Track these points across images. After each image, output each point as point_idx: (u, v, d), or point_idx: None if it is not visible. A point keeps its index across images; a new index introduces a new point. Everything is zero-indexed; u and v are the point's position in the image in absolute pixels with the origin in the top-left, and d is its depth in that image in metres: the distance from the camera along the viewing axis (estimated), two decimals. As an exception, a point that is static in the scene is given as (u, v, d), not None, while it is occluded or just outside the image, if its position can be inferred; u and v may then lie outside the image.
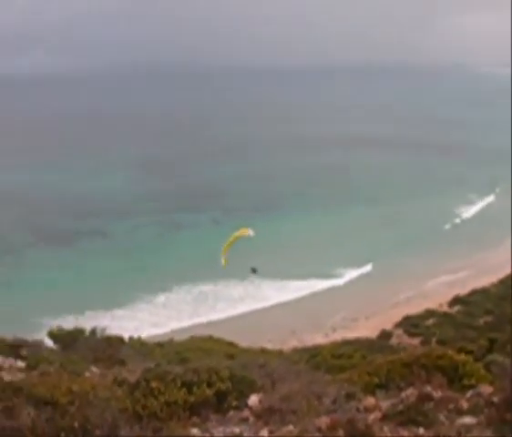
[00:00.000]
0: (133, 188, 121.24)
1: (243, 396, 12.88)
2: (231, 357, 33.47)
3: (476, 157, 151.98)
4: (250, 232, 29.84)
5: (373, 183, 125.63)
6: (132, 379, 14.21)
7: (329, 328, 68.51)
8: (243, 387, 13.11)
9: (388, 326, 65.75)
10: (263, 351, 38.01)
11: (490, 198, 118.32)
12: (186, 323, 69.92)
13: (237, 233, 29.27)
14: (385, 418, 11.47)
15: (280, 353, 39.03)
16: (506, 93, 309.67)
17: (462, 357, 13.78)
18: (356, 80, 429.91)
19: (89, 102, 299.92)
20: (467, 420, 11.18)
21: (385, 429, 11.06)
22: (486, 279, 75.08)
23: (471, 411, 11.48)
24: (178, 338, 49.67)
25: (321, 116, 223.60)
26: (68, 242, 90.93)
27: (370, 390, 13.22)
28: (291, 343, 63.94)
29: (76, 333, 22.33)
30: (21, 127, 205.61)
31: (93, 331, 23.85)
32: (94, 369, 18.14)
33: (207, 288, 78.14)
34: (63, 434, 10.67)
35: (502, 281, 74.55)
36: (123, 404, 12.13)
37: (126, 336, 32.16)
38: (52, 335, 23.29)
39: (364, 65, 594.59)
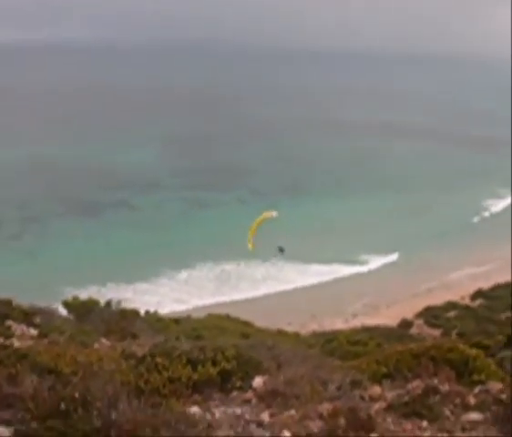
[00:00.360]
0: (161, 163, 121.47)
1: (248, 377, 12.70)
2: (246, 336, 33.43)
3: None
4: (274, 214, 29.15)
5: (403, 172, 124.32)
6: (140, 353, 14.12)
7: (349, 314, 68.25)
8: (249, 368, 12.93)
9: (409, 315, 65.30)
10: (280, 333, 37.85)
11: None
12: (207, 301, 70.08)
13: (261, 217, 28.88)
14: (390, 408, 11.23)
15: (296, 336, 38.85)
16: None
17: (473, 351, 13.42)
18: (397, 68, 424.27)
19: (121, 76, 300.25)
20: (473, 416, 10.90)
21: (388, 419, 10.83)
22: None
23: (478, 408, 11.19)
24: (197, 315, 49.96)
25: (355, 102, 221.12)
26: (95, 214, 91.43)
27: (377, 379, 12.95)
28: (310, 327, 63.84)
29: (91, 304, 22.32)
30: (51, 98, 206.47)
31: (108, 303, 23.85)
32: (104, 340, 18.08)
33: (229, 267, 78.19)
34: (63, 404, 10.54)
35: (527, 276, 73.53)
36: (126, 378, 12.00)
37: (145, 310, 32.19)
38: (66, 304, 23.31)
39: (407, 53, 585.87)
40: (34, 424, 10.56)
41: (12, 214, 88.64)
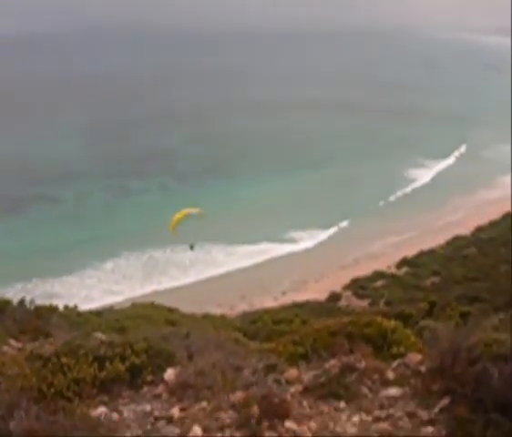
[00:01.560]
0: (82, 152, 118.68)
1: (160, 370, 12.05)
2: (172, 323, 32.71)
3: (432, 122, 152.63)
4: (199, 211, 29.03)
5: (327, 148, 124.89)
6: (49, 353, 13.25)
7: (279, 291, 68.30)
8: (160, 361, 12.27)
9: (337, 288, 65.83)
10: (205, 317, 37.29)
11: (444, 163, 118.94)
12: (137, 291, 69.16)
13: (186, 211, 28.88)
14: (306, 391, 10.77)
15: (223, 319, 38.33)
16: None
17: (391, 323, 13.09)
18: (318, 45, 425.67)
19: (40, 63, 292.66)
20: (392, 391, 10.56)
21: (304, 403, 10.36)
22: (433, 241, 75.58)
23: (397, 382, 10.84)
24: (127, 304, 49.09)
25: (281, 82, 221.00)
26: (15, 209, 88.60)
27: (294, 360, 12.49)
28: (240, 307, 63.80)
29: (2, 304, 21.22)
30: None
31: (21, 302, 22.74)
32: (13, 342, 17.08)
33: (156, 254, 77.30)
34: (-46, 418, 9.67)
35: (449, 243, 75.15)
36: (28, 382, 11.17)
37: (64, 305, 31.10)
38: (-28, 306, 22.11)
39: (322, 30, 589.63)
40: None
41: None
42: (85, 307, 58.66)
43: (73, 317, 27.00)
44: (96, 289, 70.71)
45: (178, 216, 30.28)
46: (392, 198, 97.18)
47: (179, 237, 76.45)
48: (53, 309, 23.71)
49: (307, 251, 78.34)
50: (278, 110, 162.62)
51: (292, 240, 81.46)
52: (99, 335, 20.24)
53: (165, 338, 13.88)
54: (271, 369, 11.69)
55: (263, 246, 79.11)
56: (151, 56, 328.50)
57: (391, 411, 9.81)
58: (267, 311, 44.38)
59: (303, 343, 12.91)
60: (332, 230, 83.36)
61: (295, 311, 51.80)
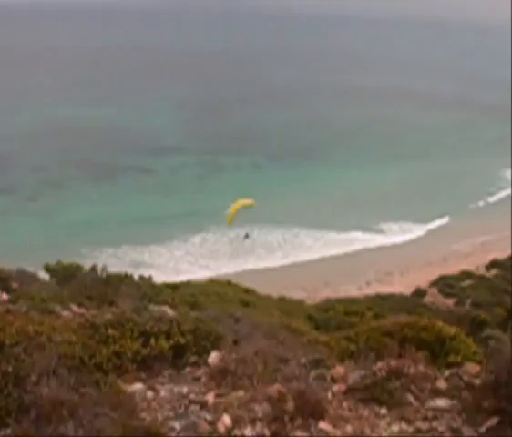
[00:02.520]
0: (177, 127, 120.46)
1: (205, 352, 11.76)
2: (246, 304, 32.61)
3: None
4: (252, 202, 32.70)
5: (423, 141, 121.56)
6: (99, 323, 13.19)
7: (363, 281, 67.27)
8: (206, 342, 11.97)
9: (423, 284, 64.20)
10: (281, 300, 36.96)
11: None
12: (223, 265, 69.65)
13: (240, 202, 28.66)
14: (349, 391, 10.20)
15: (298, 304, 37.92)
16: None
17: (451, 330, 12.31)
18: (406, 32, 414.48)
19: (136, 38, 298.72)
20: (440, 403, 9.81)
21: (345, 404, 9.81)
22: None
23: (447, 394, 10.10)
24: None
25: (369, 68, 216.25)
26: (110, 177, 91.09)
27: (345, 357, 11.94)
28: (324, 293, 63.17)
29: (73, 269, 21.50)
30: (66, 62, 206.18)
31: (93, 268, 23.00)
32: (75, 308, 17.26)
33: (244, 232, 77.21)
34: (-7, 379, 9.65)
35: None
36: (71, 350, 11.09)
37: (139, 275, 31.42)
38: (48, 269, 22.55)
39: (412, 16, 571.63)
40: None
41: (27, 178, 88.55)
42: (172, 278, 60.59)
43: (146, 288, 27.14)
44: (183, 261, 71.57)
45: (235, 207, 30.36)
46: (488, 199, 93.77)
47: (268, 216, 76.99)
48: (123, 277, 23.89)
49: (395, 244, 76.79)
50: (375, 97, 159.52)
51: (381, 231, 80.00)
52: (165, 309, 20.26)
53: (217, 319, 13.63)
54: (317, 363, 11.21)
55: (352, 234, 78.04)
56: (253, 37, 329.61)
57: (434, 424, 9.11)
58: (345, 301, 43.49)
59: (356, 341, 12.35)
60: (424, 226, 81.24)
61: (378, 303, 50.88)
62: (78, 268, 22.13)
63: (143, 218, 76.92)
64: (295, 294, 59.90)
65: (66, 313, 16.17)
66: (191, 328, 12.02)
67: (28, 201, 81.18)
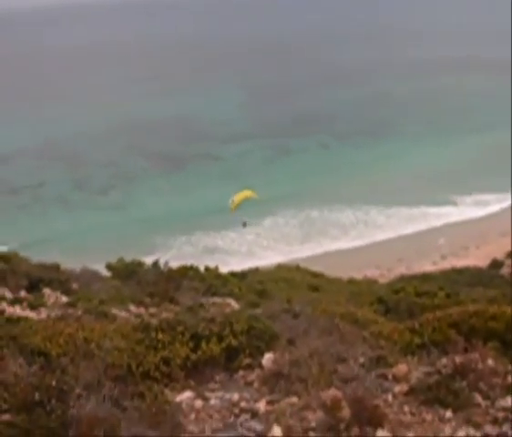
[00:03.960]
0: (246, 113, 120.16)
1: (259, 353, 11.11)
2: (315, 289, 31.89)
3: None
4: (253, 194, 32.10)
5: (488, 112, 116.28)
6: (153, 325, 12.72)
7: (438, 256, 65.48)
8: (260, 343, 11.33)
9: (499, 255, 61.86)
10: (351, 282, 36.09)
11: None
12: (296, 248, 69.19)
13: (243, 194, 31.37)
14: (411, 392, 9.35)
15: (368, 285, 36.94)
16: None
17: (524, 317, 11.20)
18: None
19: (205, 27, 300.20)
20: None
21: (406, 408, 8.97)
22: None
23: (521, 391, 9.10)
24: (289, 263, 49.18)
25: (433, 39, 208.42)
26: (179, 166, 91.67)
27: (410, 351, 11.07)
28: (398, 270, 61.84)
29: (135, 266, 21.21)
30: (135, 55, 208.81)
31: (155, 264, 22.68)
32: (133, 308, 16.92)
33: (314, 213, 76.39)
34: (37, 394, 9.27)
35: None
36: (119, 359, 10.65)
37: (204, 266, 31.03)
38: (110, 267, 22.34)
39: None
40: (6, 416, 9.39)
41: (99, 173, 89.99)
42: (246, 262, 60.37)
43: (211, 278, 26.73)
44: (256, 245, 71.22)
45: (238, 198, 30.35)
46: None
47: (337, 196, 76.00)
48: (187, 270, 23.50)
49: (470, 217, 74.45)
50: (438, 70, 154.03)
51: (455, 205, 77.63)
52: (229, 301, 19.79)
53: (273, 316, 12.96)
54: (377, 361, 10.40)
55: (425, 209, 76.01)
56: (312, 17, 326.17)
57: (504, 428, 8.18)
58: (419, 278, 42.20)
59: (421, 333, 11.44)
60: (498, 197, 78.32)
61: (453, 277, 49.27)
62: (140, 264, 21.87)
63: (214, 204, 76.42)
64: (369, 273, 58.90)
65: (123, 314, 15.86)
66: (244, 328, 11.41)
67: (101, 195, 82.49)
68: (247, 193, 29.47)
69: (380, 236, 71.31)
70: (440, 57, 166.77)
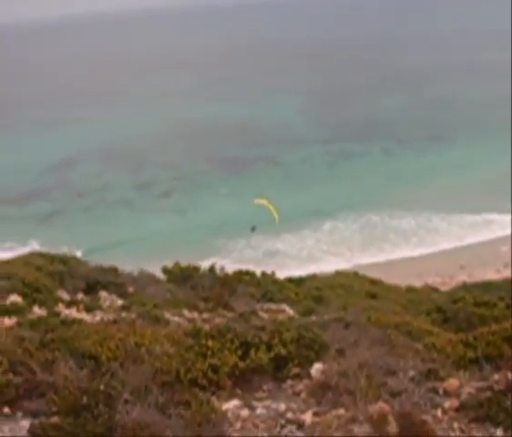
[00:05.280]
0: (305, 117, 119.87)
1: (308, 363, 10.98)
2: (373, 296, 31.51)
3: None
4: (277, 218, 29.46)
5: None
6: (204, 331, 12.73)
7: (501, 263, 63.86)
8: (310, 352, 11.19)
9: None
10: (409, 290, 35.58)
11: None
12: (357, 253, 68.65)
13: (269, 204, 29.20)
14: (462, 408, 9.06)
15: (426, 293, 36.36)
16: None
17: None
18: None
19: (253, 31, 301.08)
20: None
21: (455, 425, 8.70)
22: None
23: None
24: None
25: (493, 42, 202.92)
26: (239, 170, 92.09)
27: (462, 365, 10.76)
28: (459, 278, 60.59)
29: (190, 270, 21.31)
30: (193, 61, 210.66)
31: (211, 269, 22.75)
32: (186, 313, 16.96)
33: (374, 218, 75.58)
34: (85, 398, 9.36)
35: None
36: (168, 365, 10.68)
37: (261, 271, 31.01)
38: (166, 271, 22.51)
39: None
40: (54, 419, 9.52)
41: (160, 175, 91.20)
42: (307, 267, 60.15)
43: (267, 284, 26.65)
44: (316, 249, 70.96)
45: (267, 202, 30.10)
46: None
47: (397, 201, 75.10)
48: (243, 274, 23.49)
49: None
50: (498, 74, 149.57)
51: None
52: (283, 307, 19.70)
53: (324, 325, 12.82)
54: (428, 374, 10.14)
55: (487, 216, 74.28)
56: (370, 21, 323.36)
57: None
58: (480, 286, 41.21)
59: (475, 346, 11.10)
60: None
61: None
62: (196, 268, 21.96)
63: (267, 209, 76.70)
64: (429, 280, 57.87)
65: (176, 319, 15.91)
66: (294, 337, 11.29)
67: (162, 197, 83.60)
68: (272, 207, 29.47)
69: (442, 243, 69.92)
70: (504, 60, 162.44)
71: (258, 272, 29.41)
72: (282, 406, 9.70)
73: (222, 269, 23.64)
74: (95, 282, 19.25)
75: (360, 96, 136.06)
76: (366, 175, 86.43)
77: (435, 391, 9.69)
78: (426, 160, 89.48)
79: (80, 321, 14.60)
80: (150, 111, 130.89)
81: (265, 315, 17.00)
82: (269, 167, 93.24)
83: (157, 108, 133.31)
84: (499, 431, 8.37)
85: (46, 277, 19.92)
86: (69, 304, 16.61)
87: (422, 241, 70.77)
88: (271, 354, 10.95)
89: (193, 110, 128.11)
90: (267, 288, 25.97)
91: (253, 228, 34.52)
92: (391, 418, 8.37)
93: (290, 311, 20.82)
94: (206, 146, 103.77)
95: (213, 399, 9.67)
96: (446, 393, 9.61)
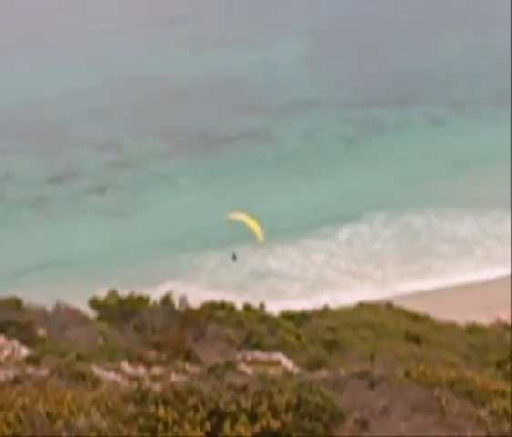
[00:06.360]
0: (315, 68, 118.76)
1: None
2: (416, 340, 31.57)
3: None
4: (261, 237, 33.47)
5: None
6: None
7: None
8: (316, 424, 11.11)
9: None
10: (472, 329, 35.92)
11: None
12: (391, 274, 69.20)
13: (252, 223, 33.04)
14: None
15: (502, 333, 36.78)
16: None
17: None
18: None
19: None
20: None
21: None
22: None
23: None
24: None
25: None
26: (214, 150, 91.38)
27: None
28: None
29: (134, 303, 21.15)
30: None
31: (166, 299, 22.69)
32: (127, 366, 17.02)
33: (416, 221, 75.68)
34: None
35: None
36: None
37: (243, 304, 31.08)
38: (95, 304, 22.43)
39: None
40: None
41: (90, 159, 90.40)
42: (314, 297, 60.20)
43: (252, 322, 26.70)
44: (327, 268, 71.26)
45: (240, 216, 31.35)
46: None
47: (450, 195, 75.65)
48: (214, 309, 23.37)
49: None
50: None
51: None
52: (278, 356, 19.79)
53: (338, 383, 12.76)
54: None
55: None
56: None
57: None
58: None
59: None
60: None
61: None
62: (142, 301, 21.76)
63: (265, 207, 76.26)
64: (503, 315, 58.22)
65: (111, 376, 15.93)
66: (292, 402, 11.23)
67: (92, 194, 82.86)
68: (251, 222, 30.67)
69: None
70: None
71: (239, 304, 29.47)
72: None
73: (184, 299, 23.57)
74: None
75: (397, 39, 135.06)
76: (404, 156, 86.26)
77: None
78: (495, 133, 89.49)
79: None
80: (77, 59, 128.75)
81: (249, 369, 16.99)
82: (257, 147, 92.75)
83: (87, 55, 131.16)
84: None
85: None
86: None
87: (491, 255, 70.98)
88: (256, 428, 10.87)
89: (144, 60, 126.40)
90: (252, 328, 26.01)
91: (234, 257, 35.40)
92: None
93: (287, 364, 20.82)
94: (162, 114, 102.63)
95: None
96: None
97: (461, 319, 42.01)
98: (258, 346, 23.69)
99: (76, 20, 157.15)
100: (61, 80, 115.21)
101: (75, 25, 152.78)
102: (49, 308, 23.77)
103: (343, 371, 14.20)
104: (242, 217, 30.79)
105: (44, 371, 15.09)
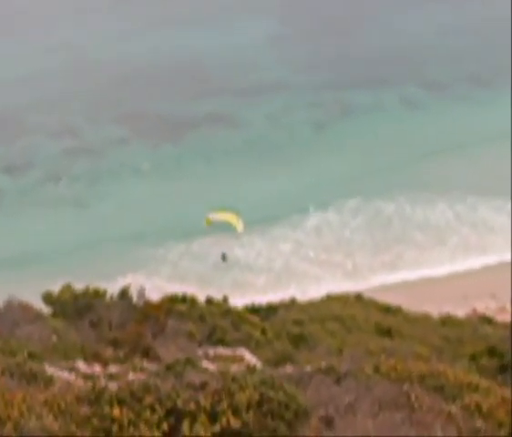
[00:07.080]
0: (279, 49, 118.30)
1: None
2: (386, 332, 31.72)
3: None
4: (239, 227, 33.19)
5: None
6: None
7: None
8: (279, 422, 11.11)
9: None
10: (446, 321, 36.17)
11: None
12: (356, 263, 69.29)
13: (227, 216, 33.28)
14: None
15: (478, 325, 37.08)
16: None
17: None
18: None
19: None
20: None
21: None
22: None
23: None
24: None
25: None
26: (175, 136, 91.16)
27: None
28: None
29: (89, 297, 21.07)
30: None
31: (123, 293, 22.59)
32: (81, 365, 17.01)
33: (387, 207, 75.90)
34: None
35: None
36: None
37: (206, 297, 31.08)
38: (49, 299, 22.30)
39: None
40: None
41: (45, 146, 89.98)
42: (281, 289, 60.33)
43: (215, 316, 26.70)
44: (295, 258, 71.43)
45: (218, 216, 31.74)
46: None
47: (425, 182, 75.78)
48: (174, 303, 23.30)
49: None
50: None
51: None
52: (242, 352, 19.80)
53: (302, 379, 12.79)
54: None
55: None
56: None
57: None
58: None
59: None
60: None
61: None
62: (98, 294, 21.66)
63: (230, 196, 76.29)
64: (479, 306, 58.75)
65: (65, 375, 15.91)
66: (253, 399, 11.22)
67: (48, 182, 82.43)
68: (230, 217, 30.91)
69: (497, 246, 70.46)
70: None
71: (201, 297, 29.47)
72: None
73: (142, 293, 23.47)
74: None
75: (367, 15, 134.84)
76: (376, 141, 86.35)
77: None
78: (471, 115, 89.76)
79: None
80: (31, 43, 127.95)
81: (211, 366, 17.02)
82: (221, 132, 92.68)
83: (42, 39, 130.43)
84: None
85: None
86: None
87: (466, 244, 71.31)
88: (216, 427, 10.86)
89: (101, 43, 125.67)
90: (215, 322, 26.02)
91: (224, 257, 35.63)
92: None
93: (251, 359, 20.83)
94: (121, 99, 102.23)
95: None
96: None
97: (435, 310, 42.28)
98: (221, 341, 23.72)
99: (31, 3, 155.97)
100: (15, 65, 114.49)
101: (29, 8, 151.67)
102: (0, 304, 23.68)
103: (308, 367, 14.23)
104: (222, 216, 30.88)
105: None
